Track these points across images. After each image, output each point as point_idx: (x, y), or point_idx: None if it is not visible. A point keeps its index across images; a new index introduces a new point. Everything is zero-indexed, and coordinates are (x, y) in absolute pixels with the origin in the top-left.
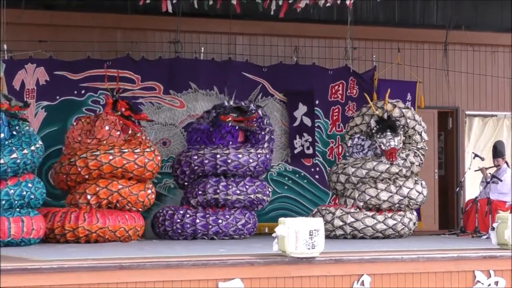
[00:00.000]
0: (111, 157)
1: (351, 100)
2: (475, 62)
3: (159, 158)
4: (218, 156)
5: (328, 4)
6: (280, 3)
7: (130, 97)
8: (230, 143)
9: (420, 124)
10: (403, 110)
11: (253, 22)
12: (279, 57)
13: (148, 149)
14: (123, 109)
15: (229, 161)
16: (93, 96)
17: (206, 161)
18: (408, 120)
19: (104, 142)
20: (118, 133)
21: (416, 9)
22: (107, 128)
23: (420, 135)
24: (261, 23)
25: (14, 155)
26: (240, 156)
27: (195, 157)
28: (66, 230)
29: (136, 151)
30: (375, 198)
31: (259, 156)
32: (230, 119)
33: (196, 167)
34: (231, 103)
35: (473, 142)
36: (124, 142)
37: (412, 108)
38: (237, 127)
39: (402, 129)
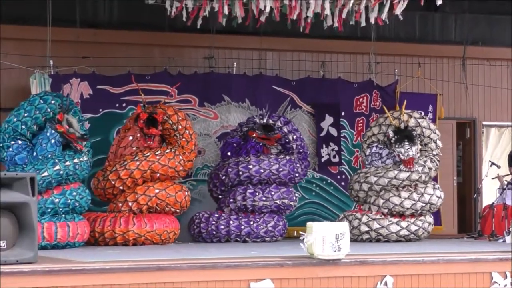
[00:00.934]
0: (137, 163)
1: (375, 111)
2: (492, 75)
3: (180, 157)
4: (240, 163)
5: (363, 24)
6: (309, 20)
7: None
8: None
9: (435, 133)
10: (419, 120)
11: (282, 39)
12: (307, 71)
13: (168, 150)
14: (141, 121)
15: (250, 166)
16: (133, 109)
17: (230, 170)
18: (424, 129)
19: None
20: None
21: (435, 26)
22: (130, 138)
23: (435, 142)
24: (290, 40)
25: (57, 167)
26: (260, 161)
27: (222, 168)
28: (116, 233)
29: (157, 153)
30: (399, 206)
31: (279, 160)
32: (254, 135)
33: (223, 177)
34: (263, 121)
35: (490, 151)
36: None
37: (427, 118)
38: (261, 144)
39: (418, 138)
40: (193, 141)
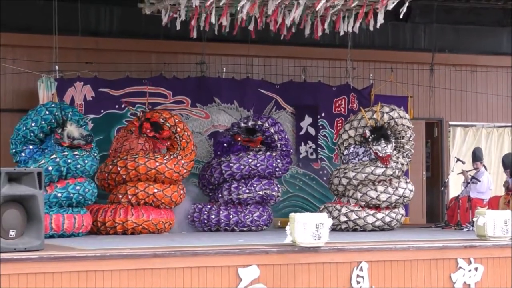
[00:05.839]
0: (146, 160)
1: (352, 112)
2: (457, 80)
3: (183, 161)
4: (222, 163)
5: (341, 34)
6: (293, 30)
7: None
8: None
9: (406, 118)
10: (390, 113)
11: (268, 46)
12: (290, 76)
13: (172, 156)
14: (148, 131)
15: (231, 164)
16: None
17: (214, 169)
18: (396, 119)
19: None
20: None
21: (406, 35)
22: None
23: (408, 127)
24: (275, 47)
25: (54, 156)
26: (239, 158)
27: (207, 169)
28: (116, 223)
29: (165, 157)
30: (375, 199)
31: (258, 156)
32: (239, 139)
33: (209, 177)
34: (249, 124)
35: (456, 149)
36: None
37: (397, 108)
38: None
39: (393, 129)
40: (191, 141)
